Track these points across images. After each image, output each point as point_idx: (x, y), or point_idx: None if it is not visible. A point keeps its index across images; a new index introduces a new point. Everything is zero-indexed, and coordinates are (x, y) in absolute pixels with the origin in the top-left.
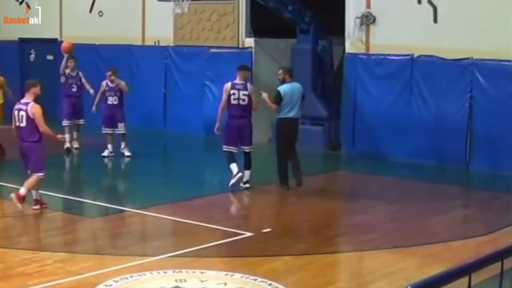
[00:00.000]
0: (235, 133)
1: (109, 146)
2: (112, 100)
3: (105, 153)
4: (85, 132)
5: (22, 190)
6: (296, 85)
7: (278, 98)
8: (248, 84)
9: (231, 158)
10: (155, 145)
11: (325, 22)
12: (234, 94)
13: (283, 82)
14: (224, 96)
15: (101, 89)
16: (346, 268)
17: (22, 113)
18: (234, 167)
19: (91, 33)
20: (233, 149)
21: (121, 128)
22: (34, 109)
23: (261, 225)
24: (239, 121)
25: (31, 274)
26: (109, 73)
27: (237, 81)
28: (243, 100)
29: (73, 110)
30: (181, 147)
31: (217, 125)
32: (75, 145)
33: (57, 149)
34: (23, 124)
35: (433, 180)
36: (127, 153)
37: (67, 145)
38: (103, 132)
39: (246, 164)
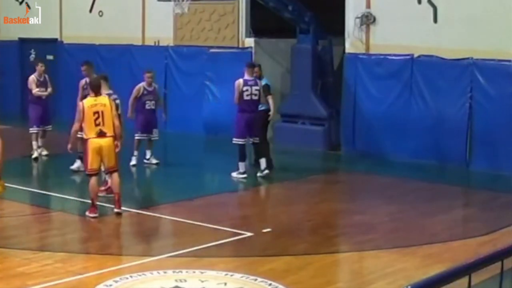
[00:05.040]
0: (245, 127)
1: (136, 153)
2: (150, 104)
3: (134, 162)
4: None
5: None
6: None
7: (269, 90)
8: (258, 80)
9: (243, 155)
10: (155, 145)
11: (325, 22)
12: (247, 90)
13: (260, 77)
14: (237, 93)
15: (136, 94)
16: (346, 268)
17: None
18: (242, 166)
19: (91, 33)
20: (242, 141)
21: (155, 134)
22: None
23: (261, 225)
24: (249, 115)
25: (31, 274)
26: (148, 75)
27: (247, 77)
28: (255, 95)
29: (42, 116)
30: (181, 147)
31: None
32: (44, 152)
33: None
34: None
35: (433, 180)
36: (154, 161)
37: (36, 154)
38: (136, 138)
39: (259, 153)
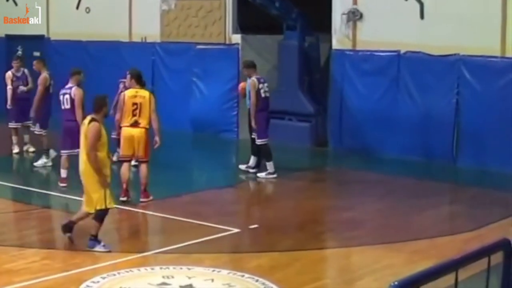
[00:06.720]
0: (268, 125)
1: (119, 150)
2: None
3: (115, 158)
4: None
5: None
6: None
7: None
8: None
9: (270, 154)
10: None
11: (312, 19)
12: (262, 88)
13: (251, 77)
14: (253, 93)
15: (120, 91)
16: (333, 264)
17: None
18: (271, 166)
19: (78, 29)
20: (267, 140)
21: None
22: None
23: (248, 221)
24: (268, 113)
25: (18, 271)
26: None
27: (258, 76)
28: (268, 92)
29: (22, 111)
30: (168, 144)
31: (253, 121)
32: (31, 148)
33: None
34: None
35: (421, 176)
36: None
37: (16, 149)
38: (113, 137)
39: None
